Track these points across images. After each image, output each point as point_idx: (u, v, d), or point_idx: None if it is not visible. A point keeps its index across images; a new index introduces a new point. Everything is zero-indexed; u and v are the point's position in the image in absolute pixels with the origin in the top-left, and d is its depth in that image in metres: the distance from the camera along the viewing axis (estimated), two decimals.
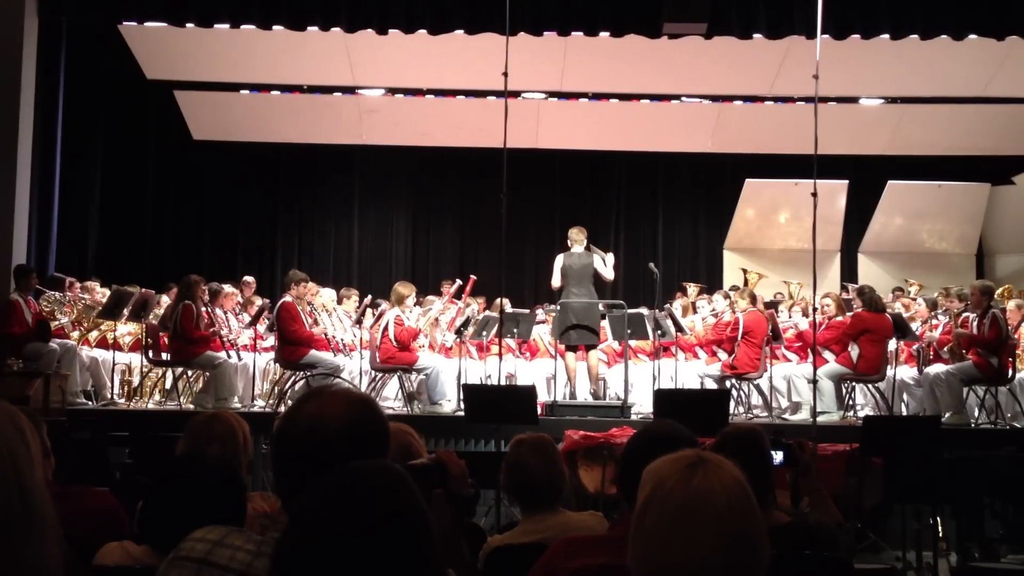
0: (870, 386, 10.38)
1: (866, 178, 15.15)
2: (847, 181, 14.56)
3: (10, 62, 10.35)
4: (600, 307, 10.59)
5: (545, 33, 11.20)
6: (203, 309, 10.18)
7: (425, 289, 13.41)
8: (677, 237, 16.78)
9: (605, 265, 10.41)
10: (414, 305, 10.91)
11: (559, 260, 10.42)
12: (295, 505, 1.51)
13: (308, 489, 1.49)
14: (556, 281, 10.46)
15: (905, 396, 10.49)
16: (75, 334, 10.60)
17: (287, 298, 10.16)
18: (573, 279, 10.30)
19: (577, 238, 10.46)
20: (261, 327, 10.81)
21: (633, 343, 10.99)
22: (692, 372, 10.97)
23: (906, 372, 10.61)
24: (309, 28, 11.16)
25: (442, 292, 13.15)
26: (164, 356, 10.31)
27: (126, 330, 11.05)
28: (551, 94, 14.47)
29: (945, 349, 10.26)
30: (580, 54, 12.82)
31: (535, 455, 3.70)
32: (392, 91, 14.64)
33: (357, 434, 1.90)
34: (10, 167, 10.25)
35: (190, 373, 10.43)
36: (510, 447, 3.85)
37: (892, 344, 10.34)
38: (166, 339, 10.23)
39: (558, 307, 10.47)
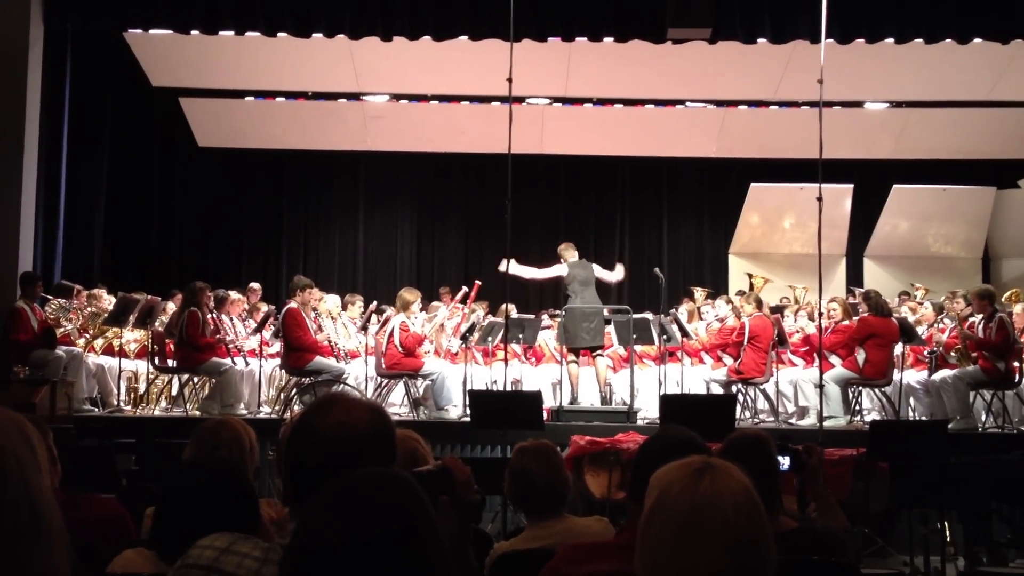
0: (877, 391, 10.36)
1: (871, 182, 15.14)
2: (852, 185, 14.54)
3: (16, 69, 10.37)
4: (605, 312, 10.62)
5: (549, 39, 11.20)
6: (209, 316, 10.19)
7: (430, 295, 13.42)
8: (682, 242, 16.76)
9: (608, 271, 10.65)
10: (419, 311, 10.91)
11: (562, 268, 10.51)
12: (305, 511, 1.51)
13: (318, 495, 1.49)
14: (541, 274, 10.70)
15: (912, 400, 10.47)
16: (81, 341, 10.61)
17: (292, 304, 10.17)
18: (582, 285, 10.40)
19: (568, 252, 10.64)
20: (267, 333, 10.82)
21: (639, 348, 10.98)
22: (698, 377, 10.95)
23: (912, 376, 10.58)
24: (314, 35, 11.17)
25: (442, 299, 13.17)
26: (170, 363, 10.32)
27: (132, 337, 11.06)
28: (555, 100, 14.47)
29: (952, 353, 10.24)
30: (584, 59, 12.83)
31: (538, 462, 3.70)
32: (397, 97, 14.66)
33: (374, 442, 1.91)
34: (16, 174, 10.27)
35: (196, 380, 10.44)
36: (513, 455, 3.85)
37: (898, 348, 10.32)
38: (172, 346, 10.25)
39: (564, 312, 10.48)
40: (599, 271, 10.60)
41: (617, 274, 10.84)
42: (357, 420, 1.92)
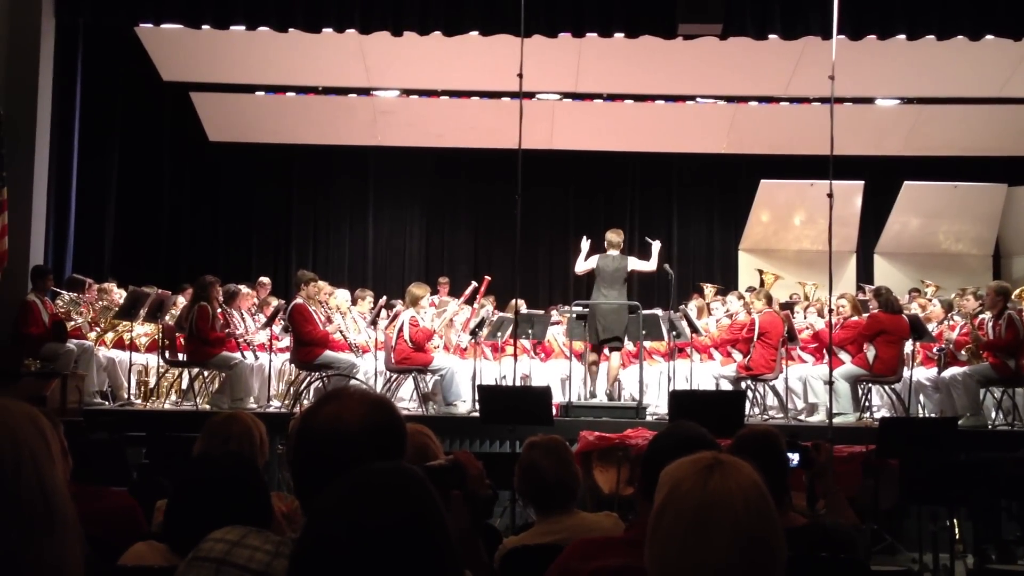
0: (886, 387, 10.34)
1: (882, 179, 15.10)
2: (863, 182, 14.51)
3: (27, 63, 10.39)
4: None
5: (560, 34, 11.17)
6: (218, 310, 10.22)
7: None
8: (692, 238, 16.75)
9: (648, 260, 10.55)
10: (429, 306, 10.92)
11: (594, 259, 10.40)
12: (314, 505, 1.51)
13: (327, 490, 1.50)
14: (579, 267, 10.52)
15: (921, 397, 10.45)
16: (92, 335, 10.64)
17: (298, 299, 10.20)
18: (605, 281, 10.29)
19: (614, 241, 10.46)
20: (277, 328, 10.84)
21: (648, 344, 10.97)
22: (707, 373, 10.95)
23: (922, 373, 10.57)
24: (324, 30, 11.16)
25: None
26: (180, 357, 10.34)
27: (142, 331, 11.09)
28: (566, 95, 14.46)
29: (963, 351, 10.21)
30: (595, 55, 12.81)
31: (548, 457, 3.70)
32: (407, 92, 14.66)
33: (376, 435, 1.91)
34: (27, 168, 10.29)
35: (206, 374, 10.46)
36: (523, 450, 3.85)
37: (908, 345, 10.30)
38: (182, 340, 10.27)
39: (573, 307, 10.45)
40: (635, 263, 10.47)
41: (652, 263, 10.68)
42: (349, 414, 1.92)
